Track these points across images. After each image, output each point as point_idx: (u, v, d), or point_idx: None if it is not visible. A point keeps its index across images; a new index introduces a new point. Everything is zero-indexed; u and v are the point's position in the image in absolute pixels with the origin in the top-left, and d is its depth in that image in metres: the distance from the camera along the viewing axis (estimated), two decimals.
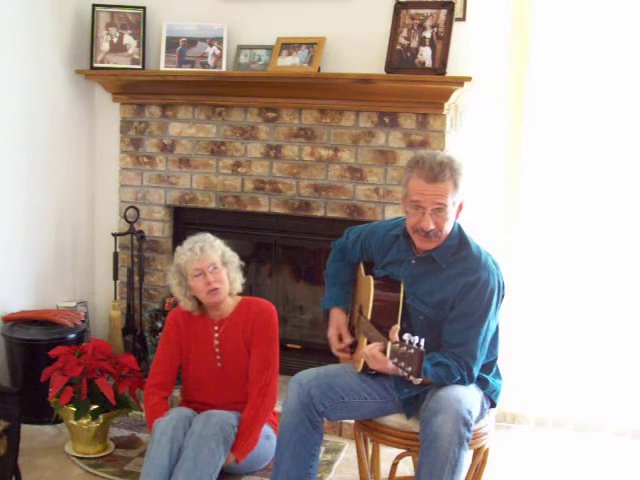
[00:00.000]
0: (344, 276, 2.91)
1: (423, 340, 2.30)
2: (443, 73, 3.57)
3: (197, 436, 2.85)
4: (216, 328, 3.16)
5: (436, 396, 2.50)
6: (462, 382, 2.56)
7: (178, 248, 3.16)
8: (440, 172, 2.54)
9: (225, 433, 2.89)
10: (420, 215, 2.57)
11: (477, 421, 2.57)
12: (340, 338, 2.82)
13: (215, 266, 3.07)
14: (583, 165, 3.62)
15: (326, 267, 2.97)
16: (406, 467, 3.12)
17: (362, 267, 2.86)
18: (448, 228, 2.60)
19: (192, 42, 3.97)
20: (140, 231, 4.13)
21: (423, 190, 2.55)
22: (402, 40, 3.66)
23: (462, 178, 2.58)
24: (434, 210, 2.55)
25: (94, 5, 4.05)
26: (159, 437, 2.87)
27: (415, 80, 3.59)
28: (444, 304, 2.59)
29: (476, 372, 2.60)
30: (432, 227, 2.56)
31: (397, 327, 2.45)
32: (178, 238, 4.13)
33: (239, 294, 3.21)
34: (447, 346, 2.57)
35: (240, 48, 3.94)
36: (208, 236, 3.15)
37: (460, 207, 2.63)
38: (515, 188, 3.69)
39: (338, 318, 2.84)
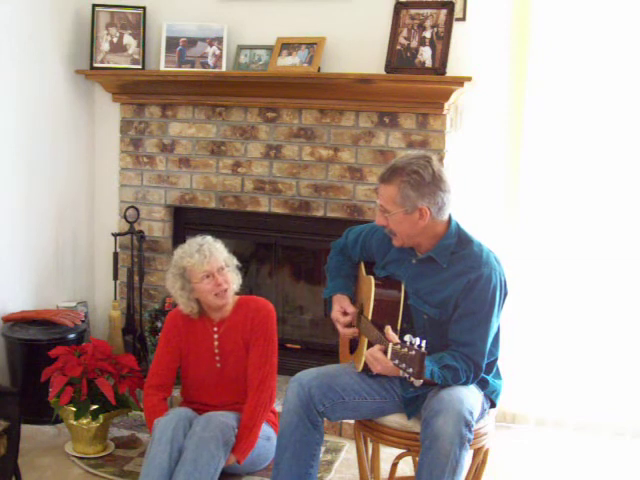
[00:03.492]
0: (346, 268, 2.91)
1: (424, 341, 2.30)
2: (443, 73, 3.57)
3: (197, 438, 2.85)
4: (215, 329, 3.16)
5: (438, 396, 2.50)
6: (465, 383, 2.56)
7: (178, 251, 3.14)
8: (386, 174, 2.59)
9: (225, 436, 2.89)
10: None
11: (477, 421, 2.57)
12: (344, 315, 2.78)
13: (222, 267, 3.08)
14: (583, 164, 3.62)
15: (327, 262, 2.97)
16: (406, 467, 3.12)
17: (363, 267, 2.86)
18: (401, 230, 2.60)
19: (192, 42, 3.97)
20: (140, 231, 4.14)
21: (378, 188, 2.66)
22: (402, 40, 3.66)
23: (414, 186, 2.52)
24: (382, 209, 2.61)
25: (94, 5, 4.05)
26: (159, 437, 2.87)
27: (415, 80, 3.59)
28: (447, 303, 2.59)
29: (483, 371, 2.60)
30: (382, 223, 2.62)
31: (389, 327, 2.45)
32: (178, 238, 4.14)
33: (236, 294, 3.21)
34: (455, 345, 2.57)
35: (240, 48, 3.94)
36: (209, 238, 3.14)
37: (421, 213, 2.55)
38: (515, 188, 3.69)
39: (341, 300, 2.82)
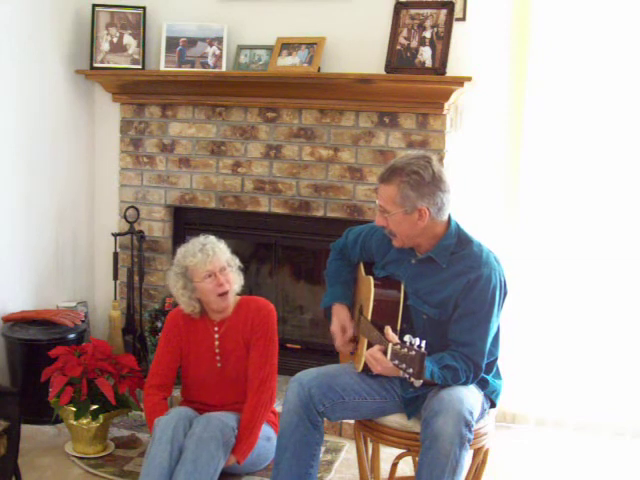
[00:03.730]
0: (345, 274, 2.91)
1: (424, 342, 2.30)
2: (443, 73, 3.57)
3: (197, 439, 2.85)
4: (216, 329, 3.16)
5: (438, 396, 2.50)
6: (465, 383, 2.56)
7: (181, 250, 3.14)
8: (385, 175, 2.58)
9: (225, 436, 2.89)
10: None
11: (477, 421, 2.57)
12: (343, 331, 2.81)
13: (224, 267, 3.08)
14: (583, 164, 3.63)
15: (326, 267, 2.98)
16: (406, 467, 3.12)
17: (362, 267, 2.86)
18: (400, 230, 2.59)
19: (192, 42, 3.97)
20: (140, 231, 4.14)
21: (377, 188, 2.65)
22: (402, 40, 3.66)
23: (413, 187, 2.52)
24: (382, 209, 2.60)
25: (94, 5, 4.05)
26: (159, 437, 2.87)
27: (415, 80, 3.59)
28: (447, 303, 2.59)
29: (482, 371, 2.60)
30: (382, 223, 2.61)
31: (388, 327, 2.45)
32: (178, 238, 4.14)
33: (237, 294, 3.21)
34: (455, 345, 2.57)
35: (240, 48, 3.95)
36: (212, 238, 3.14)
37: (420, 213, 2.55)
38: (515, 188, 3.69)
39: (340, 312, 2.83)
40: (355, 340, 2.81)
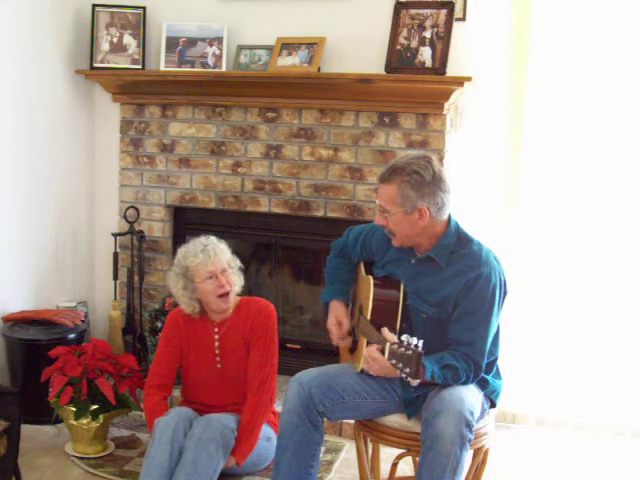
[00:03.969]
0: (344, 272, 2.91)
1: (421, 341, 2.30)
2: (443, 73, 3.57)
3: (196, 440, 2.85)
4: (216, 330, 3.16)
5: (438, 396, 2.50)
6: (465, 383, 2.57)
7: (182, 251, 3.14)
8: (386, 174, 2.58)
9: (225, 437, 2.89)
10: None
11: (477, 421, 2.57)
12: (339, 325, 2.81)
13: (225, 269, 3.07)
14: (583, 164, 3.63)
15: (326, 264, 2.98)
16: (406, 467, 3.12)
17: (362, 267, 2.86)
18: (400, 230, 2.59)
19: (192, 42, 3.97)
20: (140, 231, 4.14)
21: (377, 188, 2.65)
22: (402, 40, 3.66)
23: (414, 186, 2.52)
24: (382, 209, 2.60)
25: (94, 5, 4.05)
26: (159, 437, 2.87)
27: (415, 80, 3.59)
28: (447, 302, 2.59)
29: (483, 370, 2.60)
30: (382, 223, 2.62)
31: (385, 328, 2.46)
32: (178, 238, 4.14)
33: (237, 295, 3.21)
34: (455, 344, 2.57)
35: (240, 48, 3.95)
36: (213, 239, 3.14)
37: (421, 213, 2.55)
38: (515, 188, 3.69)
39: (337, 309, 2.83)
40: (353, 334, 2.81)
